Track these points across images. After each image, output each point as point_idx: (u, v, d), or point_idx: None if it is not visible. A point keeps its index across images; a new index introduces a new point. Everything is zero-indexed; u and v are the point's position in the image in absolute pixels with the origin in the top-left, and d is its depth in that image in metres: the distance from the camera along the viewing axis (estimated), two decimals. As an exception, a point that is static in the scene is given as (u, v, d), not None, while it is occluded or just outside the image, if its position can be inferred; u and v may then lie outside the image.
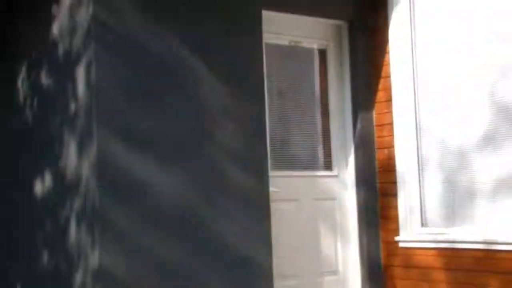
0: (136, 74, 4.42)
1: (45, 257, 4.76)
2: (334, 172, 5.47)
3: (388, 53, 5.35)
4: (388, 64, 5.36)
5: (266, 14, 5.05)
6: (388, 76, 5.35)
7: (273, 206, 4.99)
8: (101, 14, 4.30)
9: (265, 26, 5.06)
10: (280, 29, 5.26)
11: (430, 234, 5.04)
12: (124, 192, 4.30)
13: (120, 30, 4.38)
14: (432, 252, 4.96)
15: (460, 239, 4.78)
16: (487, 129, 4.71)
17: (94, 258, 4.21)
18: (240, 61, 4.85)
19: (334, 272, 5.37)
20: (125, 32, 4.39)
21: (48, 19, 4.78)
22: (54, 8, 4.73)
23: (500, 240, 4.50)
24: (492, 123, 4.68)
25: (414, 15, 5.26)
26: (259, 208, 4.84)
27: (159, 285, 4.36)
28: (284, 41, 5.34)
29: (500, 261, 4.49)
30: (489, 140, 4.69)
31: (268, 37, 5.16)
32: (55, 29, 4.70)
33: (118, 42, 4.37)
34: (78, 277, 4.35)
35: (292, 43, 5.39)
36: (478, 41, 4.79)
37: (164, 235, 4.41)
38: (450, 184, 4.98)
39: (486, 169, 4.72)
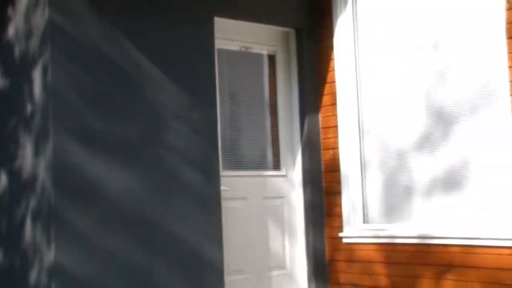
0: (92, 77, 4.43)
1: (0, 255, 4.74)
2: (282, 172, 5.52)
3: (333, 59, 5.45)
4: (333, 70, 5.45)
5: (218, 21, 5.11)
6: (333, 82, 5.45)
7: (224, 204, 5.06)
8: (57, 18, 4.31)
9: (217, 32, 5.12)
10: (231, 35, 5.30)
11: (371, 230, 5.14)
12: (80, 191, 4.30)
13: (76, 34, 4.38)
14: (373, 247, 5.08)
15: (398, 234, 4.90)
16: (424, 131, 4.86)
17: (49, 256, 4.21)
18: (193, 66, 4.88)
19: (282, 266, 5.42)
20: (81, 36, 4.40)
21: (4, 21, 4.76)
22: (10, 10, 4.70)
23: (434, 234, 4.66)
24: (429, 126, 4.82)
25: (357, 24, 5.37)
26: (210, 206, 4.86)
27: (114, 282, 4.38)
28: (235, 46, 5.37)
29: (433, 254, 4.66)
30: (426, 142, 4.84)
31: (220, 43, 5.21)
32: (11, 31, 4.67)
33: (74, 46, 4.37)
34: (33, 275, 4.35)
35: (243, 49, 5.43)
36: (415, 49, 4.94)
37: (118, 234, 4.43)
38: (390, 183, 5.11)
39: (422, 169, 4.86)
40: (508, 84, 4.26)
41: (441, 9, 4.76)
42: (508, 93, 4.26)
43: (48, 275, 4.21)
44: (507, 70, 4.26)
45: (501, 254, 4.25)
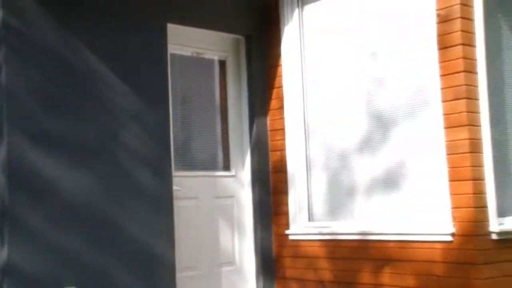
0: (47, 78, 4.43)
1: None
2: (232, 172, 5.61)
3: (281, 66, 5.58)
4: (281, 76, 5.58)
5: (171, 27, 5.15)
6: (281, 86, 5.58)
7: (176, 203, 5.07)
8: (11, 19, 4.30)
9: (170, 38, 5.13)
10: (184, 41, 5.36)
11: (316, 227, 5.30)
12: (34, 191, 4.31)
13: (31, 35, 4.38)
14: (317, 243, 5.23)
15: (341, 231, 5.06)
16: (365, 134, 5.04)
17: (2, 255, 4.20)
18: (147, 70, 4.93)
19: (231, 263, 5.51)
20: (36, 37, 4.40)
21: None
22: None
23: (373, 231, 4.85)
24: (369, 130, 5.01)
25: (303, 32, 5.53)
26: (163, 206, 4.91)
27: (68, 281, 4.39)
28: (187, 52, 5.44)
29: (373, 249, 4.84)
30: (366, 145, 5.02)
31: (173, 48, 5.24)
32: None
33: (29, 47, 4.37)
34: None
35: (195, 54, 5.50)
36: (357, 56, 5.12)
37: (73, 233, 4.44)
38: (333, 183, 5.27)
39: (363, 170, 5.04)
40: (439, 91, 4.49)
41: (380, 20, 4.97)
42: (440, 99, 4.49)
43: (1, 273, 4.20)
44: (438, 78, 4.49)
45: (433, 248, 4.48)
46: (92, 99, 4.64)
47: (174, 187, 5.04)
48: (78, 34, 4.59)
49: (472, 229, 4.30)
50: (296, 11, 5.55)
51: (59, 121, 4.47)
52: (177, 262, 4.99)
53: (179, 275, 5.03)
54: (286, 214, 5.51)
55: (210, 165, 5.56)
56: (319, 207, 5.43)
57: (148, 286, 4.77)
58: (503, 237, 4.38)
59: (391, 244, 4.74)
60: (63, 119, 4.49)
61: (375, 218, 4.97)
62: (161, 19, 5.06)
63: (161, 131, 4.98)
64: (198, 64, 5.57)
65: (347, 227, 5.09)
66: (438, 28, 4.49)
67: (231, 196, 5.60)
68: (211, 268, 5.40)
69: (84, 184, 4.53)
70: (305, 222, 5.43)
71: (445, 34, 4.45)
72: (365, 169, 5.06)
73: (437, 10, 4.50)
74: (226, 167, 5.64)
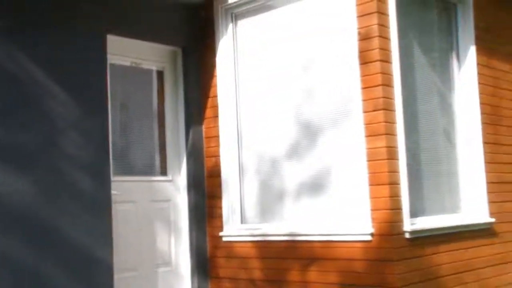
0: None
1: None
2: (169, 177, 5.70)
3: (216, 76, 5.71)
4: (216, 86, 5.71)
5: (111, 38, 5.20)
6: (216, 96, 5.71)
7: (115, 207, 5.12)
8: None
9: (109, 48, 5.18)
10: (123, 51, 5.43)
11: (248, 229, 5.44)
12: None
13: None
14: (249, 244, 5.37)
15: (271, 232, 5.23)
16: (293, 142, 5.24)
17: None
18: (87, 78, 4.97)
19: (168, 264, 5.59)
20: None
21: None
22: None
23: (300, 232, 5.03)
24: (297, 137, 5.21)
25: (237, 45, 5.69)
26: (101, 210, 4.94)
27: (6, 284, 4.37)
28: (126, 62, 5.50)
29: (300, 249, 5.02)
30: (295, 151, 5.22)
31: (112, 58, 5.29)
32: None
33: None
34: None
35: (134, 64, 5.57)
36: (286, 69, 5.32)
37: (12, 237, 4.42)
38: (264, 188, 5.44)
39: (292, 174, 5.23)
40: (361, 103, 4.73)
41: (308, 36, 5.19)
42: (361, 110, 4.72)
43: None
44: (360, 91, 4.73)
45: (354, 247, 4.72)
46: (31, 106, 4.63)
47: (113, 192, 5.08)
48: (18, 46, 4.60)
49: (389, 229, 4.56)
50: (231, 25, 5.72)
51: (0, 129, 4.45)
52: (115, 264, 5.01)
53: (117, 276, 5.07)
54: (220, 216, 5.63)
55: (148, 170, 5.62)
56: (250, 210, 5.58)
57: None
58: (415, 235, 4.69)
59: (317, 244, 4.94)
60: (2, 126, 4.47)
61: (302, 220, 5.15)
62: (101, 30, 5.12)
63: (100, 137, 5.01)
64: (137, 74, 5.63)
65: (277, 228, 5.25)
66: (359, 45, 4.73)
67: (168, 200, 5.67)
68: (148, 269, 5.46)
69: (23, 189, 4.52)
70: (237, 224, 5.57)
71: (365, 51, 4.70)
72: (294, 174, 5.23)
73: (358, 28, 4.75)
74: (163, 172, 5.71)
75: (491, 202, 5.61)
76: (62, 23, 4.89)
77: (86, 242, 4.83)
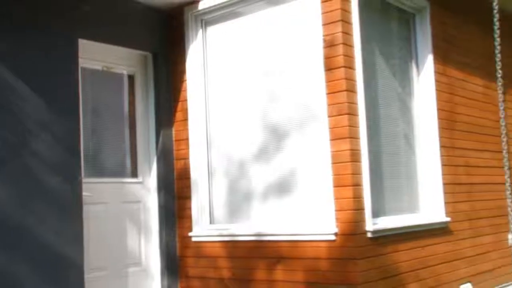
0: None
1: None
2: (140, 179, 5.67)
3: (186, 81, 5.71)
4: (186, 90, 5.70)
5: (82, 42, 5.15)
6: (185, 100, 5.70)
7: (86, 208, 5.06)
8: None
9: (81, 52, 5.12)
10: (95, 55, 5.39)
11: (216, 229, 5.44)
12: None
13: None
14: (218, 244, 5.37)
15: (239, 232, 5.23)
16: (261, 144, 5.26)
17: None
18: (58, 82, 4.91)
19: (138, 263, 5.56)
20: None
21: None
22: None
23: (267, 232, 5.06)
24: (265, 140, 5.23)
25: (206, 51, 5.69)
26: (72, 211, 4.89)
27: None
28: (98, 66, 5.46)
29: (267, 249, 5.04)
30: (262, 153, 5.24)
31: (84, 62, 5.24)
32: None
33: None
34: None
35: (105, 68, 5.53)
36: (254, 74, 5.34)
37: None
38: (233, 189, 5.44)
39: (259, 176, 5.25)
40: (326, 107, 4.77)
41: (276, 42, 5.23)
42: (326, 114, 4.77)
43: None
44: (325, 96, 4.78)
45: (319, 247, 4.76)
46: (2, 110, 4.56)
47: (84, 193, 5.03)
48: (-12, 48, 4.52)
49: (352, 229, 4.61)
50: (200, 31, 5.72)
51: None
52: (86, 264, 4.97)
53: (88, 276, 5.02)
54: (189, 217, 5.62)
55: (119, 172, 5.59)
56: (219, 211, 5.58)
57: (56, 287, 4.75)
58: (377, 235, 4.76)
59: (283, 244, 4.96)
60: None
61: (269, 220, 5.18)
62: (73, 35, 5.08)
63: (71, 140, 4.97)
64: (108, 77, 5.59)
65: (245, 228, 5.26)
66: (325, 52, 4.78)
67: (138, 201, 5.65)
68: (119, 269, 5.42)
69: (-6, 192, 4.43)
70: (206, 225, 5.57)
71: (330, 57, 4.75)
72: (261, 176, 5.26)
73: (323, 36, 4.80)
74: (134, 174, 5.68)
75: (447, 202, 5.73)
76: (35, 27, 4.83)
77: (57, 242, 4.78)
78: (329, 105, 4.76)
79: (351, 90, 4.75)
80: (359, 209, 4.67)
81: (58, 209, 4.82)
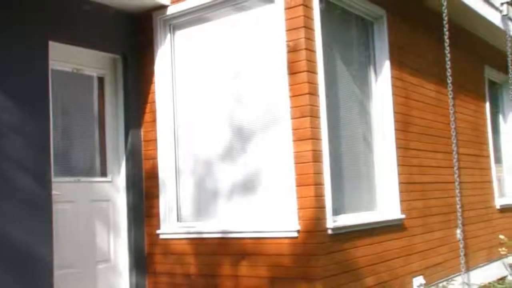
0: None
1: None
2: (109, 178, 5.60)
3: (154, 83, 5.66)
4: (154, 92, 5.65)
5: (53, 44, 5.06)
6: (154, 102, 5.65)
7: (56, 207, 4.98)
8: None
9: (51, 54, 5.04)
10: (65, 57, 5.31)
11: (184, 227, 5.41)
12: None
13: None
14: (185, 241, 5.34)
15: (205, 230, 5.21)
16: (227, 145, 5.25)
17: None
18: (28, 83, 4.83)
19: (107, 260, 5.49)
20: None
21: None
22: None
23: (232, 229, 5.05)
24: (230, 141, 5.22)
25: (174, 54, 5.65)
26: (42, 209, 4.82)
27: None
28: (68, 68, 5.38)
29: (232, 245, 5.04)
30: (228, 154, 5.23)
31: (54, 64, 5.15)
32: None
33: None
34: None
35: (75, 70, 5.45)
36: (219, 77, 5.33)
37: None
38: (200, 188, 5.42)
39: (225, 175, 5.24)
40: (289, 110, 4.78)
41: (241, 46, 5.22)
42: (289, 116, 4.78)
43: None
44: (288, 99, 4.79)
45: (282, 243, 4.77)
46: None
47: (54, 192, 4.96)
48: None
49: (313, 226, 4.64)
50: (169, 35, 5.68)
51: None
52: (56, 261, 4.90)
53: (57, 273, 4.95)
54: (157, 215, 5.58)
55: (88, 172, 5.52)
56: (186, 209, 5.55)
57: (25, 285, 4.65)
58: (337, 232, 4.79)
59: (248, 241, 4.96)
60: None
61: (234, 218, 5.17)
62: (43, 37, 4.99)
63: (41, 140, 4.88)
64: (78, 79, 5.52)
65: (211, 226, 5.25)
66: (288, 57, 4.80)
67: (107, 200, 5.58)
68: (88, 266, 5.36)
69: (-36, 190, 4.32)
70: (174, 223, 5.53)
71: (293, 62, 4.77)
72: (227, 176, 5.25)
73: (287, 41, 4.82)
74: (103, 173, 5.62)
75: (402, 200, 5.81)
76: (5, 28, 4.73)
77: (26, 240, 4.68)
78: (292, 107, 4.77)
79: (313, 93, 4.78)
80: (320, 207, 4.70)
81: (28, 208, 4.74)
